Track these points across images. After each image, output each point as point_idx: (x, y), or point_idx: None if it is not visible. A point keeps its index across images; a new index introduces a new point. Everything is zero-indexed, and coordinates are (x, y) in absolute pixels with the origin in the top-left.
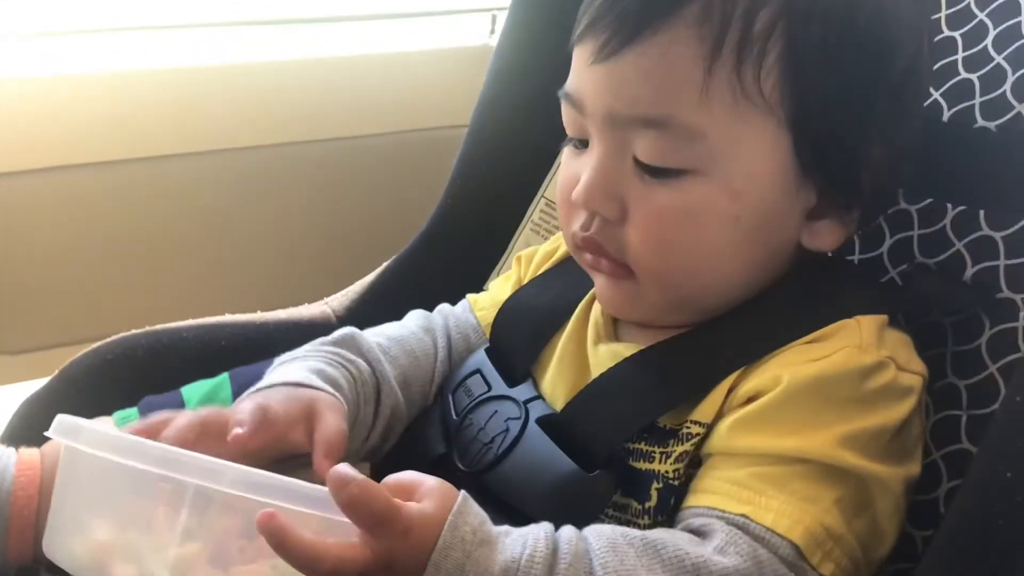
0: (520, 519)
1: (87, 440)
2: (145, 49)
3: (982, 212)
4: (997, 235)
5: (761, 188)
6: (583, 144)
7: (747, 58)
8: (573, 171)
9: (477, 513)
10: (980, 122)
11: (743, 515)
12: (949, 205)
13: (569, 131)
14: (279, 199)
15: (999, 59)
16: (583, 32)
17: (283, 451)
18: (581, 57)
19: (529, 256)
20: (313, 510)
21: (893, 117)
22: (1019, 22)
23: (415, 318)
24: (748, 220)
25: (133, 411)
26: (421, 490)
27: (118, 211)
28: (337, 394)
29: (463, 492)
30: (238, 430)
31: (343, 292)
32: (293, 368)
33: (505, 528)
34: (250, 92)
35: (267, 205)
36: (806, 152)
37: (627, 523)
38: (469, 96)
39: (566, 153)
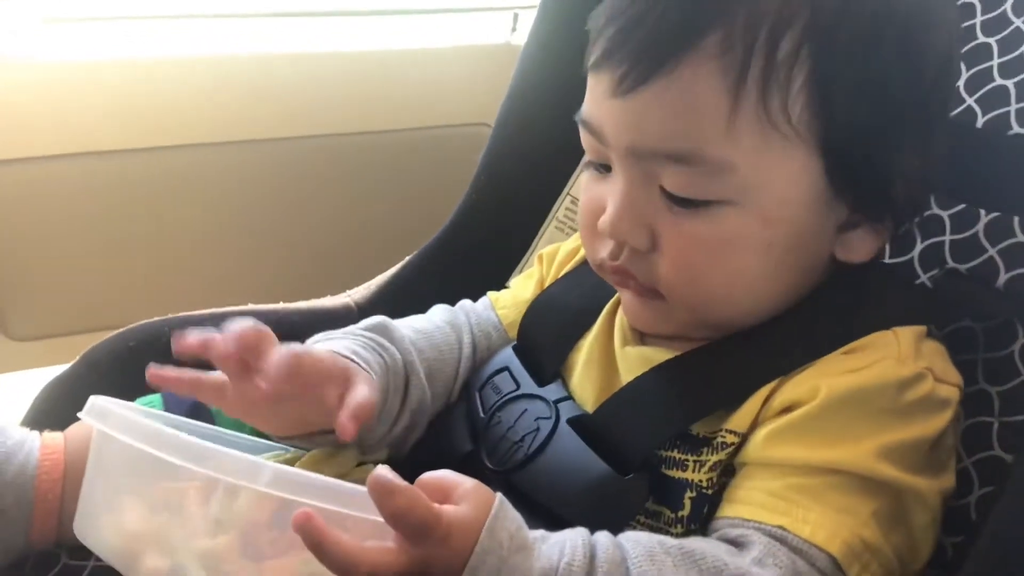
0: (550, 519)
1: (116, 425)
2: (192, 36)
3: (1016, 219)
4: None
5: (793, 212)
6: (605, 169)
7: (773, 86)
8: (595, 196)
9: (514, 518)
10: (1015, 129)
11: (780, 527)
12: (982, 211)
13: (589, 155)
14: (303, 192)
15: None
16: (598, 61)
17: (311, 409)
18: (598, 87)
19: (551, 254)
20: (350, 510)
21: (924, 127)
22: None
23: (440, 312)
24: (781, 244)
25: (156, 397)
26: (458, 492)
27: (142, 199)
28: (371, 374)
29: (499, 495)
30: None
31: (365, 285)
32: (330, 344)
33: (542, 533)
34: (276, 84)
35: (291, 198)
36: (838, 173)
37: (659, 531)
38: (490, 94)
39: (586, 176)
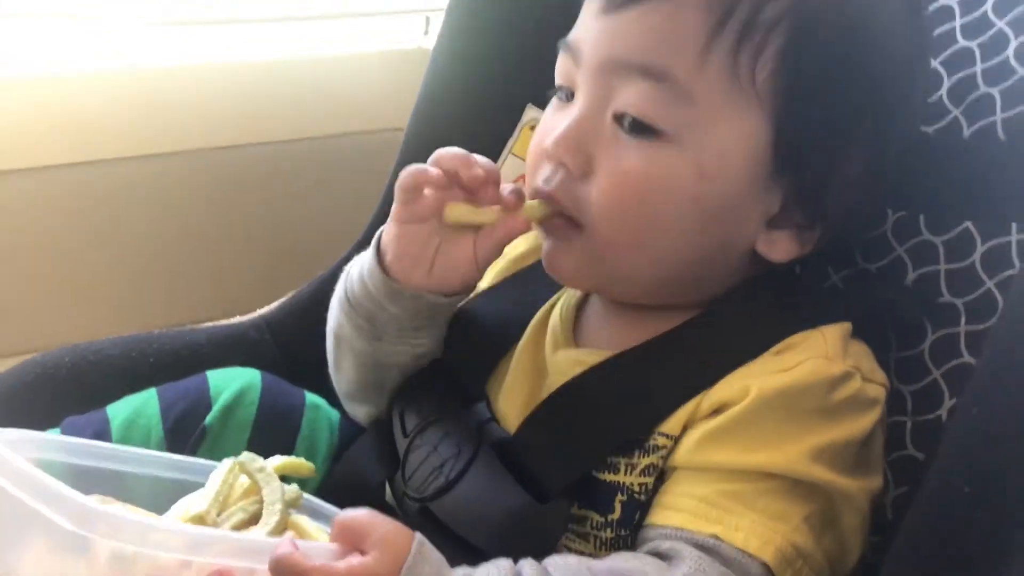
0: (469, 551)
1: (7, 475)
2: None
3: (922, 216)
4: (937, 239)
5: (729, 173)
6: (569, 97)
7: (747, 43)
8: (551, 124)
9: (433, 561)
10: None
11: (713, 535)
12: (889, 211)
13: (558, 80)
14: (211, 206)
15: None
16: None
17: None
18: (589, 9)
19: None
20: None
21: (876, 143)
22: None
23: None
24: (709, 203)
25: (54, 432)
26: (372, 538)
27: (38, 218)
28: None
29: (417, 539)
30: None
31: (276, 304)
32: None
33: (463, 573)
34: (178, 96)
35: (198, 212)
36: (783, 150)
37: (586, 536)
38: (403, 98)
39: (550, 106)
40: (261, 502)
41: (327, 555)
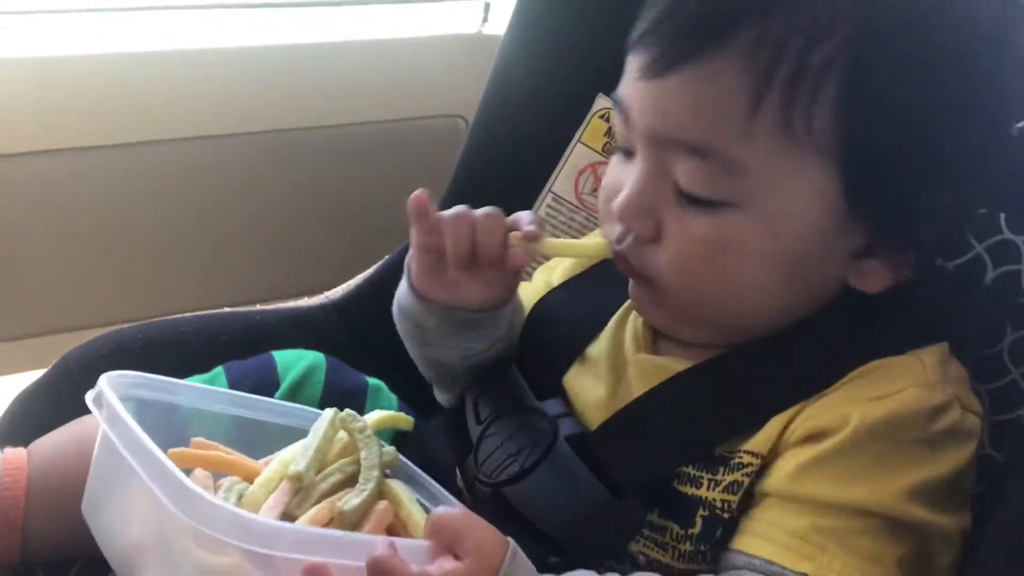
0: (539, 537)
1: (119, 434)
2: (127, 31)
3: (1003, 215)
4: (1018, 239)
5: (802, 229)
6: (630, 155)
7: (798, 94)
8: (616, 179)
9: (526, 571)
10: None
11: (803, 573)
12: None
13: (618, 138)
14: (277, 189)
15: None
16: (637, 41)
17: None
18: (632, 67)
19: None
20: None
21: (965, 168)
22: None
23: None
24: (786, 259)
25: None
26: (466, 544)
27: (113, 197)
28: None
29: (511, 548)
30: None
31: (343, 286)
32: None
33: None
34: (244, 79)
35: (266, 194)
36: (857, 196)
37: (665, 546)
38: (462, 85)
39: (614, 158)
40: (358, 463)
41: (422, 556)
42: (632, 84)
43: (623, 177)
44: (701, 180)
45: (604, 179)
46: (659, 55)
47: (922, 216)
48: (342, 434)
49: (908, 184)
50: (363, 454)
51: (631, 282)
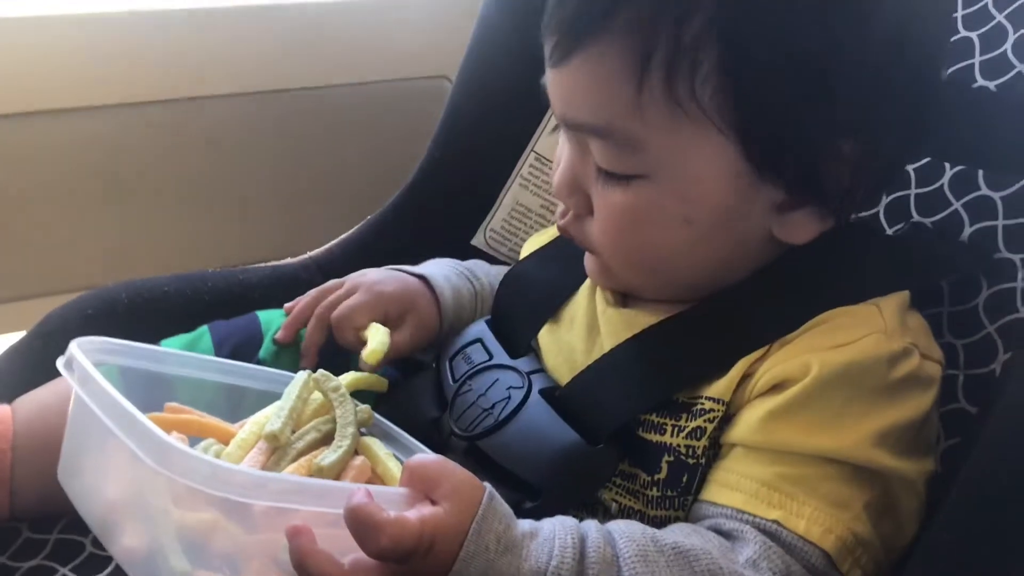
0: (517, 484)
1: (91, 394)
2: None
3: (980, 172)
4: (996, 195)
5: (711, 192)
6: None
7: (678, 70)
8: (558, 157)
9: (503, 517)
10: (980, 81)
11: (775, 520)
12: (947, 164)
13: (556, 118)
14: (259, 150)
15: (1000, 17)
16: (543, 30)
17: None
18: (545, 54)
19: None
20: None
21: (860, 111)
22: None
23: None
24: (702, 221)
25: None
26: (443, 488)
27: (98, 160)
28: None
29: (488, 491)
30: None
31: (327, 246)
32: (429, 268)
33: (530, 529)
34: (226, 40)
35: (247, 156)
36: (756, 156)
37: (635, 493)
38: (447, 46)
39: (561, 135)
40: (334, 421)
41: (399, 502)
42: (547, 71)
43: (561, 155)
44: (610, 158)
45: (555, 155)
46: (555, 44)
47: (825, 167)
48: (317, 395)
49: (801, 138)
50: (338, 412)
51: (585, 253)
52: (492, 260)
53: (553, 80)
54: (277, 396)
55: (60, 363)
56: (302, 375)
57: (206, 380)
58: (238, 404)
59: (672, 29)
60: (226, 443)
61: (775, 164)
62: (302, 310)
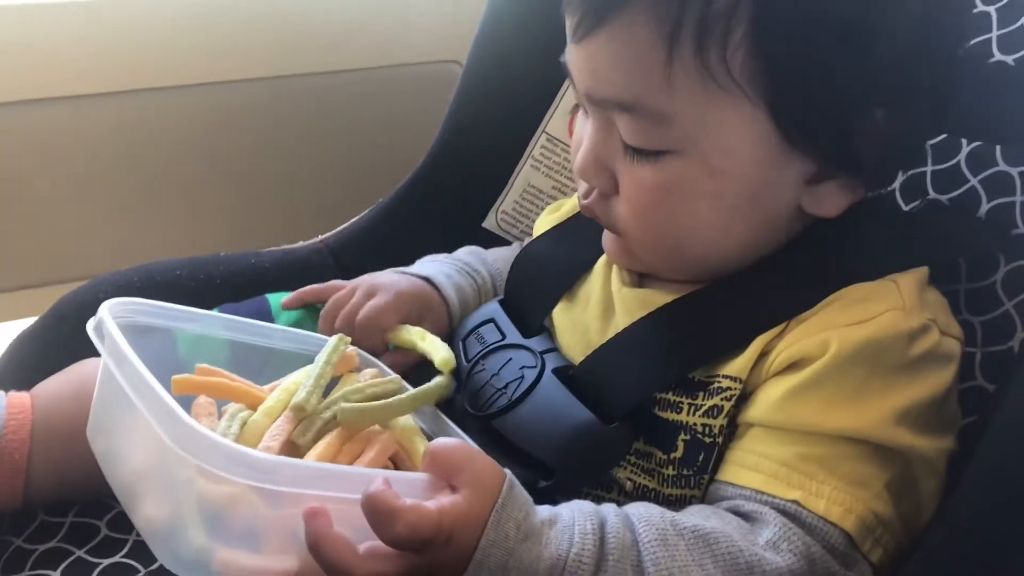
0: (531, 463)
1: (118, 364)
2: None
3: (998, 148)
4: (1014, 171)
5: (742, 165)
6: (587, 112)
7: (709, 39)
8: (578, 136)
9: (522, 503)
10: (997, 56)
11: (794, 501)
12: (964, 140)
13: (574, 96)
14: (271, 135)
15: None
16: (564, 6)
17: None
18: (567, 31)
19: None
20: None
21: (894, 79)
22: None
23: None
24: (732, 195)
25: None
26: (464, 475)
27: (109, 146)
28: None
29: (508, 478)
30: None
31: (338, 229)
32: (426, 268)
33: (549, 515)
34: (238, 26)
35: (259, 141)
36: (788, 126)
37: (651, 472)
38: (457, 30)
39: (579, 115)
40: (360, 391)
41: (419, 489)
42: (568, 48)
43: (583, 134)
44: (638, 133)
45: (573, 135)
46: (580, 18)
47: (856, 136)
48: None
49: (834, 107)
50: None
51: (604, 232)
52: (503, 243)
53: (577, 56)
54: (299, 355)
55: (89, 326)
56: (333, 339)
57: (228, 340)
58: (260, 364)
59: None
60: (254, 407)
61: (807, 134)
62: (312, 291)
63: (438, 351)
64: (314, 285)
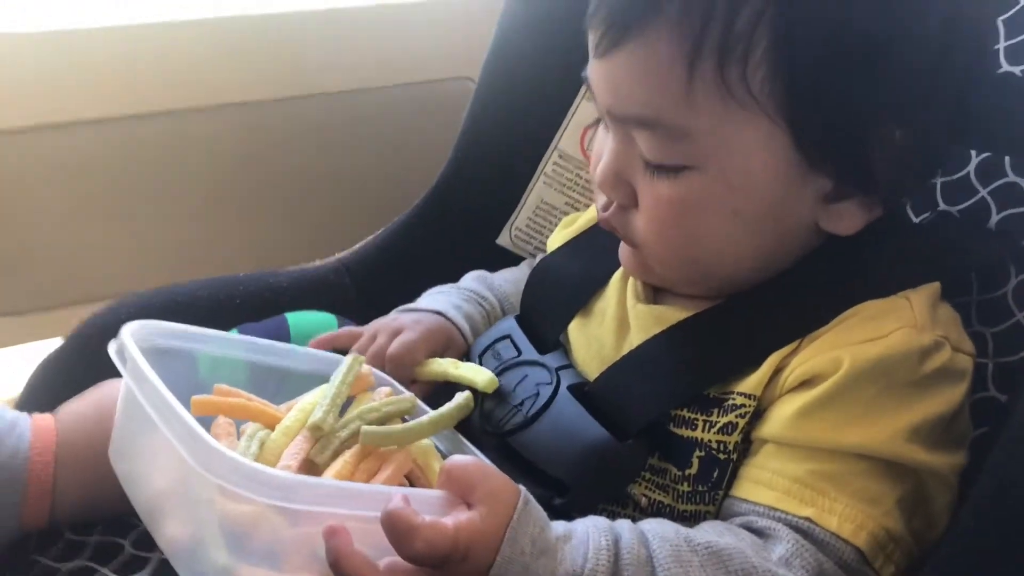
0: (546, 481)
1: (140, 385)
2: (127, 1)
3: (1007, 159)
4: (1023, 181)
5: (760, 182)
6: (607, 126)
7: (730, 56)
8: (599, 149)
9: (538, 519)
10: (1005, 67)
11: (807, 518)
12: (973, 152)
13: (596, 111)
14: (285, 156)
15: None
16: (587, 20)
17: None
18: (590, 46)
19: (570, 221)
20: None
21: (912, 97)
22: None
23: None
24: (750, 211)
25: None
26: (479, 492)
27: (126, 169)
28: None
29: (523, 495)
30: None
31: (354, 248)
32: (434, 302)
33: (564, 531)
34: (252, 47)
35: (274, 162)
36: (807, 144)
37: (665, 488)
38: (468, 47)
39: (600, 128)
40: (376, 411)
41: (436, 506)
42: (591, 63)
43: (603, 147)
44: (657, 149)
45: (593, 148)
46: (603, 34)
47: (874, 154)
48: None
49: (854, 124)
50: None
51: (621, 245)
52: (517, 260)
53: (599, 71)
54: (316, 377)
55: (111, 349)
56: (348, 359)
57: (247, 361)
58: (278, 385)
59: (726, 13)
60: (272, 427)
61: (826, 152)
62: (326, 340)
63: (480, 374)
64: (326, 334)
